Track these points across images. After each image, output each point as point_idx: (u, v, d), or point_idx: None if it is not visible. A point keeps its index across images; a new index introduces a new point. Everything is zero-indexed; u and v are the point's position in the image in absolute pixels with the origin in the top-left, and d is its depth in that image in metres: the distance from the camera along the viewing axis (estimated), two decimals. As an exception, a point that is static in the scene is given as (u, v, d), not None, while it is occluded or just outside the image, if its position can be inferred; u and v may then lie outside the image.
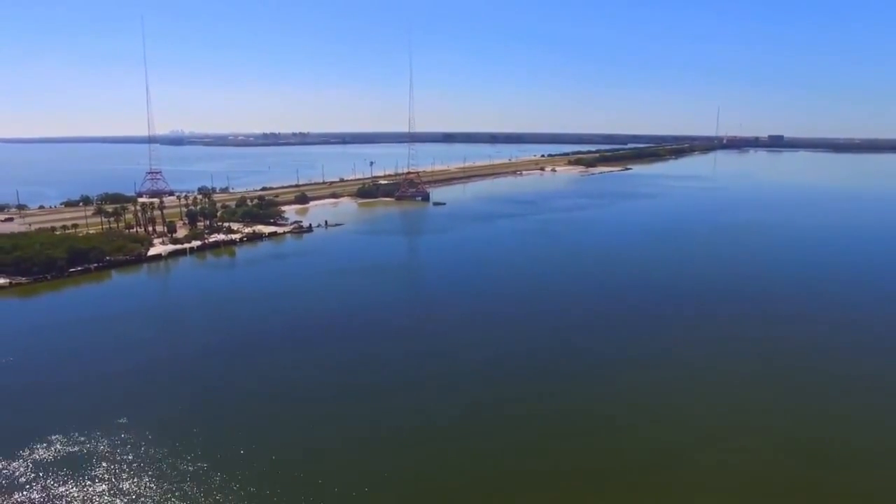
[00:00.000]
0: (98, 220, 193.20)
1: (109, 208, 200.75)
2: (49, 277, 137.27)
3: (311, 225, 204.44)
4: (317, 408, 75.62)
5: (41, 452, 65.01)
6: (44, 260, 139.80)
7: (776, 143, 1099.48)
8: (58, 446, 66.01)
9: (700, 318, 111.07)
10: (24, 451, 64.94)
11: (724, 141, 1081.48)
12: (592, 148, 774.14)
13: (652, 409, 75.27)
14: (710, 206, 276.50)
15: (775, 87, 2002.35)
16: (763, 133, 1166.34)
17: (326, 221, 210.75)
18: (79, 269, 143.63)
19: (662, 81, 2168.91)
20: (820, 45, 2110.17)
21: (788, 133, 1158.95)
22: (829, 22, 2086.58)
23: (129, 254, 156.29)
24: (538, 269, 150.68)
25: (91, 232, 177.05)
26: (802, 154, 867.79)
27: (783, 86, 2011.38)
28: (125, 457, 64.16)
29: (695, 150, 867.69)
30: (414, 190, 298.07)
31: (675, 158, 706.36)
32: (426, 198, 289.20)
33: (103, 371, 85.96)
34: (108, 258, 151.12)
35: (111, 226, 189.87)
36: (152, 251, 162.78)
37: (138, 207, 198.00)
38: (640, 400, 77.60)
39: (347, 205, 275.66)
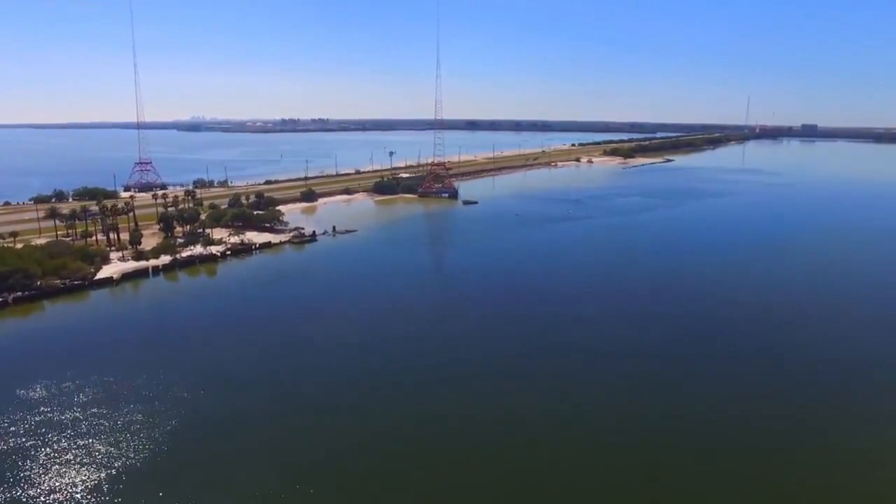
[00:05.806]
0: (52, 224, 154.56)
1: (65, 210, 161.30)
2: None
3: (314, 232, 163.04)
4: None
5: None
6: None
7: (810, 133, 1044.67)
8: None
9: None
10: None
11: (757, 130, 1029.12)
12: (623, 137, 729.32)
13: None
14: (794, 205, 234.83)
15: (807, 73, 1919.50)
16: (795, 122, 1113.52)
17: (335, 227, 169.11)
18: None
19: (689, 69, 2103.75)
20: (853, 27, 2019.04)
21: (822, 122, 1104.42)
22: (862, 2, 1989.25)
23: (71, 277, 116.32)
24: (638, 301, 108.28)
25: (40, 242, 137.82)
26: (842, 145, 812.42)
27: (815, 73, 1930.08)
28: None
29: (730, 140, 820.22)
30: (440, 185, 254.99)
31: (713, 148, 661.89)
32: (454, 195, 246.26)
33: None
34: (39, 283, 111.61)
35: (67, 232, 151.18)
36: (104, 271, 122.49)
37: (100, 209, 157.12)
38: None
39: (362, 203, 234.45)
